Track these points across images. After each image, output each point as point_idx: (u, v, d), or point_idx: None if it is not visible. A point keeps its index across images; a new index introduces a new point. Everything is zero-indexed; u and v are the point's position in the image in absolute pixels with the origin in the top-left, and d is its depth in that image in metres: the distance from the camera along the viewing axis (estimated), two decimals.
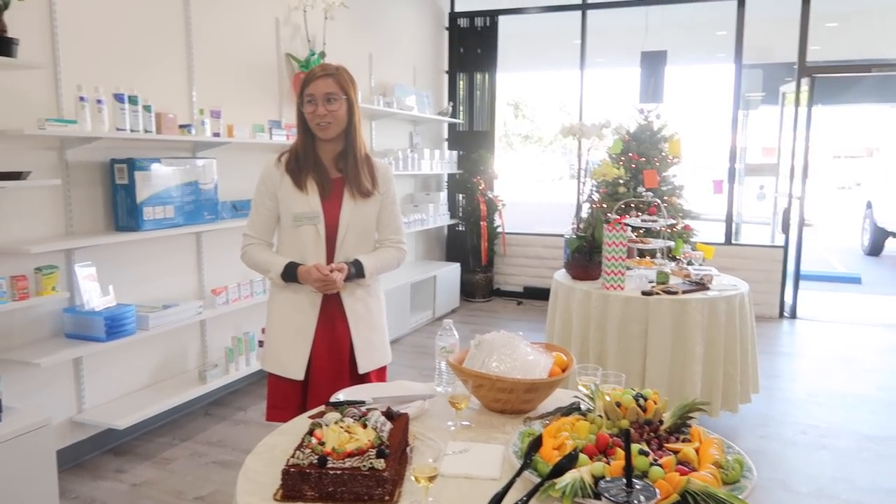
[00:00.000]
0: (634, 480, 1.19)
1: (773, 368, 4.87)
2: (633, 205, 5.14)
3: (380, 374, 2.24)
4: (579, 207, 7.05)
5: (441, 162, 6.71)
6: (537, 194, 20.38)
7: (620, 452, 1.41)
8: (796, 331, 6.04)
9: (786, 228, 6.38)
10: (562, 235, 7.10)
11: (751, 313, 3.80)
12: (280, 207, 2.14)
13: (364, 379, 2.18)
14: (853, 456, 3.44)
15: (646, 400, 1.66)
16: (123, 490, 3.01)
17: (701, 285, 3.70)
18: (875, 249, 10.76)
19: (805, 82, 6.16)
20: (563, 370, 1.90)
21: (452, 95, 7.38)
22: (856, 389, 4.44)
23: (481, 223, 6.93)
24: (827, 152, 21.53)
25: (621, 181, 5.95)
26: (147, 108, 3.33)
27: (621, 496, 1.15)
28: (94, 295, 3.16)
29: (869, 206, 10.68)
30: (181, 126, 3.59)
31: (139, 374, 3.64)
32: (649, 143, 6.08)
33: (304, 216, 2.09)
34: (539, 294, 7.06)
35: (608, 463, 1.37)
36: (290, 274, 2.08)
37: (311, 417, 1.73)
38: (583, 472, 1.34)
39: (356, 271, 2.14)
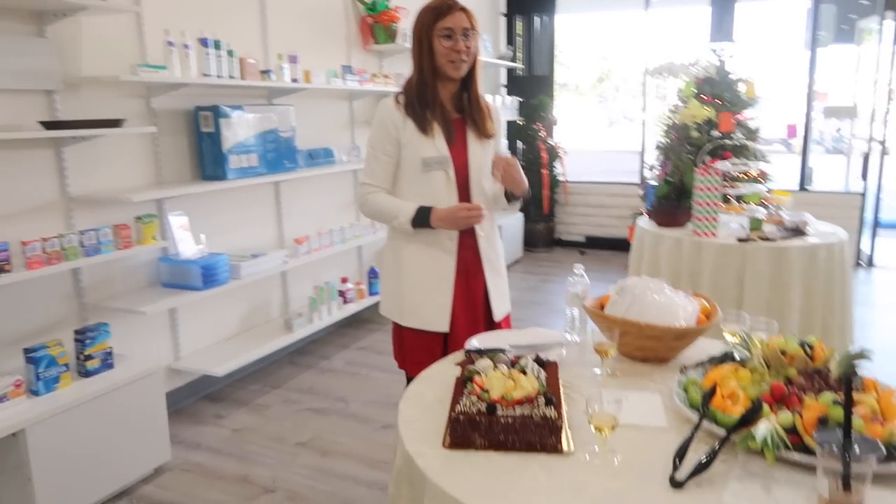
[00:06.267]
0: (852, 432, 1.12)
1: (858, 318, 4.71)
2: (708, 149, 4.94)
3: (507, 322, 2.18)
4: (643, 154, 6.84)
5: (502, 109, 6.54)
6: (578, 143, 19.92)
7: (808, 402, 1.34)
8: (874, 279, 5.83)
9: (865, 174, 6.10)
10: (628, 184, 6.94)
11: (849, 261, 3.65)
12: (403, 153, 2.01)
13: (495, 327, 2.13)
14: None
15: (812, 348, 1.57)
16: (225, 435, 3.07)
17: (798, 231, 3.54)
18: None
19: (891, 15, 5.78)
20: (707, 317, 1.82)
21: (510, 39, 7.14)
22: None
23: (542, 171, 6.78)
24: None
25: (694, 125, 5.71)
26: (231, 54, 3.26)
27: (843, 450, 1.08)
28: (188, 244, 3.16)
29: None
30: (262, 72, 3.51)
31: (228, 322, 3.67)
32: (723, 84, 5.80)
33: (433, 161, 1.98)
34: (602, 244, 6.94)
35: (799, 414, 1.30)
36: (421, 219, 1.98)
37: (458, 364, 1.68)
38: (773, 423, 1.27)
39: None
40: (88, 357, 2.53)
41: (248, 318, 3.80)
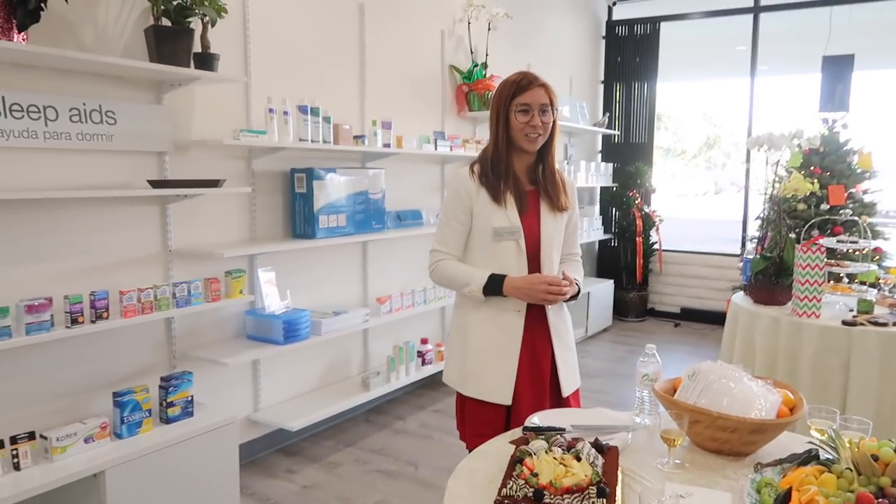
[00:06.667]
0: None
1: None
2: (815, 223, 4.66)
3: (576, 398, 2.10)
4: (746, 225, 6.54)
5: (596, 175, 6.48)
6: (681, 210, 19.33)
7: None
8: None
9: None
10: (728, 255, 6.64)
11: None
12: (475, 222, 2.02)
13: (563, 402, 2.05)
14: None
15: None
16: (294, 490, 3.09)
17: None
18: None
19: None
20: (791, 410, 1.67)
21: (608, 106, 7.13)
22: None
23: (637, 239, 6.61)
24: None
25: (800, 198, 5.42)
26: (327, 120, 3.43)
27: None
28: (274, 299, 3.28)
29: None
30: (355, 137, 3.67)
31: (307, 377, 3.75)
32: (835, 155, 5.50)
33: (504, 231, 1.98)
34: (697, 316, 6.62)
35: None
36: (493, 287, 1.97)
37: (512, 442, 1.63)
38: None
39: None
40: (171, 404, 2.64)
41: (326, 374, 3.87)
